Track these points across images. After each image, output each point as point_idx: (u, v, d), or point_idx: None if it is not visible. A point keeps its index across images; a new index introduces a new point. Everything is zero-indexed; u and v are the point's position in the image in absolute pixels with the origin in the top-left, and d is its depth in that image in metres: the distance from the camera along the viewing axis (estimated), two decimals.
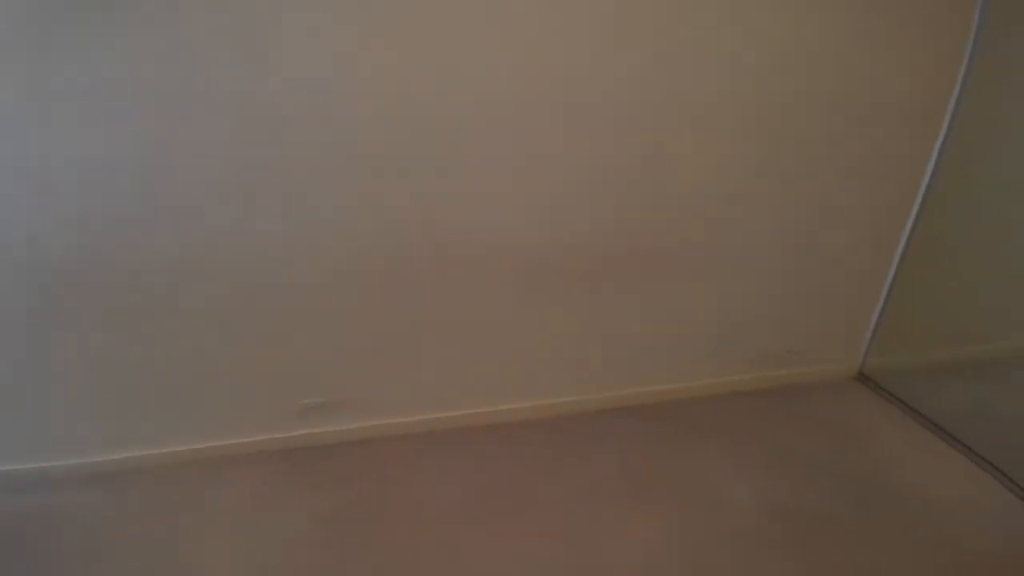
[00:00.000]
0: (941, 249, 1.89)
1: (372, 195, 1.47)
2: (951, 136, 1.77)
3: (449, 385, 1.81)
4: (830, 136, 1.70)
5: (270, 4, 1.23)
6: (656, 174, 1.64)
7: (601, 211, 1.65)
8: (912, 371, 2.06)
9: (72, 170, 1.28)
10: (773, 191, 1.76)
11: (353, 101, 1.35)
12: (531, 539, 1.42)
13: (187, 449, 1.67)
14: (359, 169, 1.43)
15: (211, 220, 1.41)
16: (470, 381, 1.83)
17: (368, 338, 1.66)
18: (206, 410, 1.65)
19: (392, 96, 1.37)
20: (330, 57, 1.30)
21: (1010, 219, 1.69)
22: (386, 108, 1.37)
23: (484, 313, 1.71)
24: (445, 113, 1.41)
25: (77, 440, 1.60)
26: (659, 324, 1.89)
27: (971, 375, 1.89)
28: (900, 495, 1.60)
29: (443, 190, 1.51)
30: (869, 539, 1.45)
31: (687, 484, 1.63)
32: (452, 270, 1.62)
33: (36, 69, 1.18)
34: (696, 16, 1.45)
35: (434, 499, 1.55)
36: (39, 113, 1.22)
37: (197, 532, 1.44)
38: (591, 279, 1.74)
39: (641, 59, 1.47)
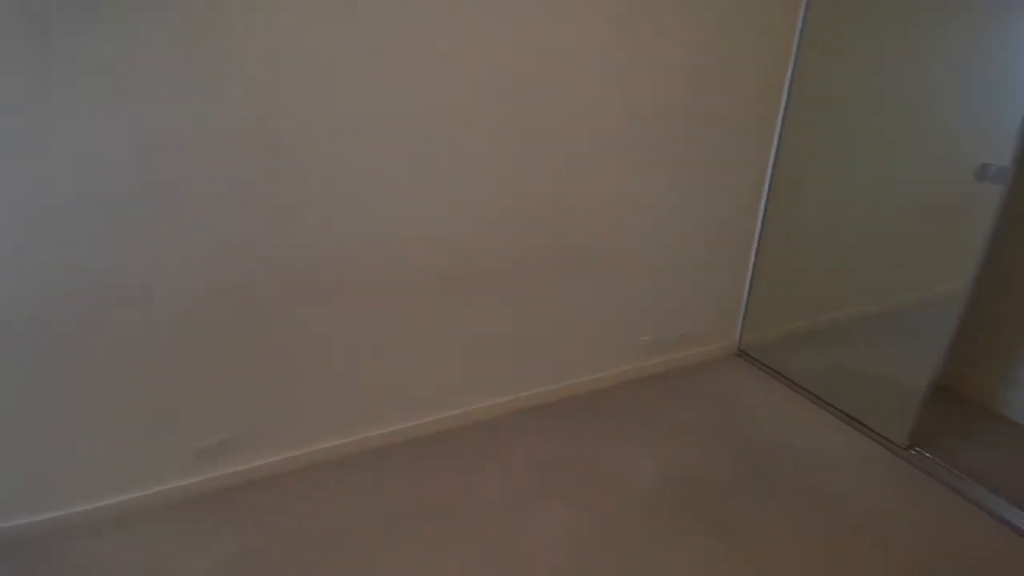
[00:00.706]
0: (788, 234, 2.19)
1: (247, 210, 1.43)
2: (785, 128, 2.08)
3: (350, 409, 1.79)
4: (692, 141, 1.94)
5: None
6: (547, 180, 1.76)
7: (489, 218, 1.73)
8: (779, 342, 2.36)
9: None
10: (652, 193, 1.96)
11: (236, 129, 1.34)
12: (452, 550, 1.45)
13: (74, 512, 1.52)
14: (234, 189, 1.40)
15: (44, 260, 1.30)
16: (371, 403, 1.82)
17: (260, 370, 1.61)
18: (86, 466, 1.51)
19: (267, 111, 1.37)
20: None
21: (842, 202, 2.00)
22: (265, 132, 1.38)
23: (378, 331, 1.72)
24: (326, 126, 1.44)
25: None
26: (561, 323, 2.02)
27: (827, 340, 2.20)
28: (777, 453, 1.83)
29: (330, 201, 1.50)
30: (754, 493, 1.65)
31: (594, 469, 1.75)
32: (341, 288, 1.61)
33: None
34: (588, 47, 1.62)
35: (347, 525, 1.53)
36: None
37: None
38: (485, 287, 1.82)
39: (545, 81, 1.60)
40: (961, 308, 1.59)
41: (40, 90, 1.16)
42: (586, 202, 1.86)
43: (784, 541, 1.48)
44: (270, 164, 1.40)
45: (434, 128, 1.54)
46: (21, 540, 1.47)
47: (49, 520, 1.50)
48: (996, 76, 1.44)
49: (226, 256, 1.44)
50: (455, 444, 1.88)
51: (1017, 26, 1.39)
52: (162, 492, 1.60)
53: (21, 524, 1.48)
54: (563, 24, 1.58)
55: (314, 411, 1.73)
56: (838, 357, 2.11)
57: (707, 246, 2.19)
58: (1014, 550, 1.44)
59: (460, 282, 1.77)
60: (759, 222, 2.25)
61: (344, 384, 1.74)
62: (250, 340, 1.56)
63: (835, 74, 1.89)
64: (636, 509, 1.58)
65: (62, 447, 1.47)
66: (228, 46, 1.27)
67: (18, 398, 1.38)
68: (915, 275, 1.76)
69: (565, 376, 2.14)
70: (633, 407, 2.09)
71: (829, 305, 2.15)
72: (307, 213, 1.48)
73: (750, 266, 2.34)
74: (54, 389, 1.41)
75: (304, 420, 1.73)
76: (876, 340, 1.95)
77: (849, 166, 1.91)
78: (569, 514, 1.56)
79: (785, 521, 1.55)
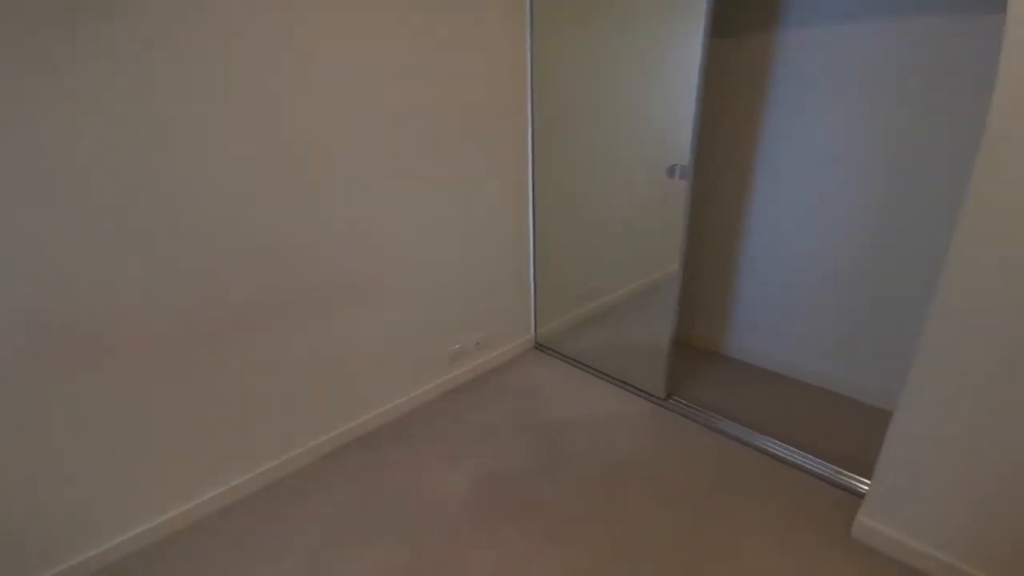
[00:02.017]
0: (556, 232, 2.48)
1: None
2: (536, 138, 2.34)
3: (139, 493, 1.50)
4: (455, 161, 2.04)
5: None
6: (308, 204, 1.68)
7: (229, 258, 1.60)
8: (568, 330, 2.65)
9: None
10: (423, 213, 2.00)
11: None
12: None
13: None
14: None
15: None
16: (155, 483, 1.54)
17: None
18: None
19: None
20: None
21: (588, 199, 2.33)
22: None
23: (143, 399, 1.46)
24: None
25: None
26: (357, 350, 1.95)
27: (603, 320, 2.54)
28: (567, 428, 2.05)
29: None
30: (549, 469, 1.81)
31: (404, 497, 1.73)
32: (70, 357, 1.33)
33: None
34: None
35: None
36: None
37: None
38: (264, 328, 1.67)
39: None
40: (680, 279, 1.99)
41: None
42: (356, 231, 1.82)
43: (573, 506, 1.66)
44: None
45: (174, 163, 1.34)
46: None
47: None
48: (681, 86, 1.78)
49: None
50: (267, 503, 1.67)
51: (694, 41, 1.77)
52: None
53: None
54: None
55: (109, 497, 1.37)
56: (611, 334, 2.46)
57: (486, 254, 2.34)
58: (747, 461, 1.85)
59: (213, 334, 1.57)
60: (530, 224, 2.50)
61: (131, 465, 1.42)
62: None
63: (561, 91, 2.19)
64: (448, 523, 1.61)
65: None
66: None
67: None
68: (654, 256, 2.13)
69: (375, 405, 2.07)
70: (440, 422, 2.12)
71: (601, 290, 2.49)
72: None
73: (531, 265, 2.58)
74: None
75: (99, 509, 1.35)
76: (636, 314, 2.33)
77: (587, 168, 2.25)
78: (385, 548, 1.51)
79: (574, 487, 1.74)
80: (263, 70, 1.47)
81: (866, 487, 1.64)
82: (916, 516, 1.40)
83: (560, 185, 2.37)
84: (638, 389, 2.30)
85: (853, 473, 1.73)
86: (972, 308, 1.18)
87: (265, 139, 1.52)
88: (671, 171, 1.87)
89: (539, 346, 2.74)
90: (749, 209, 2.32)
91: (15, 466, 1.29)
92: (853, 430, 1.98)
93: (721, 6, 2.11)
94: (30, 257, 1.21)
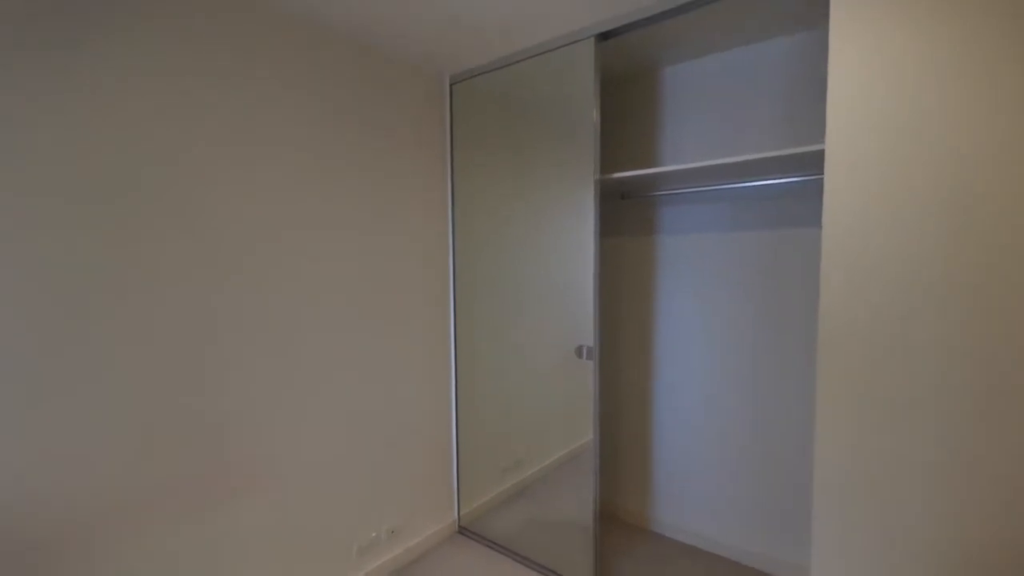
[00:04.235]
0: (477, 408, 2.52)
1: None
2: (457, 321, 2.51)
3: None
4: (383, 333, 2.14)
5: None
6: (194, 377, 1.64)
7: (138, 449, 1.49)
8: (491, 511, 2.53)
9: None
10: (348, 387, 2.01)
11: None
12: None
13: None
14: None
15: None
16: None
17: None
18: None
19: None
20: None
21: (508, 375, 2.44)
22: None
23: None
24: None
25: None
26: (244, 552, 1.73)
27: (525, 497, 2.46)
28: None
29: None
30: None
31: None
32: None
33: None
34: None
35: None
36: None
37: None
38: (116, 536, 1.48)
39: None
40: (597, 454, 2.05)
41: None
42: (253, 406, 1.78)
43: None
44: None
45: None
46: None
47: None
48: (583, 276, 2.08)
49: None
50: None
51: (590, 239, 2.10)
52: None
53: None
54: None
55: None
56: (537, 511, 2.38)
57: (407, 431, 2.31)
58: None
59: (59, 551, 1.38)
60: (452, 397, 2.54)
61: None
62: None
63: (479, 278, 2.45)
64: None
65: None
66: None
67: None
68: (574, 427, 2.20)
69: None
70: None
71: (522, 466, 2.46)
72: None
73: (453, 440, 2.55)
74: None
75: None
76: (560, 486, 2.30)
77: (505, 346, 2.40)
78: None
79: None
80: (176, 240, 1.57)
81: None
82: None
83: (481, 359, 2.49)
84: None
85: None
86: (843, 477, 1.32)
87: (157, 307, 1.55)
88: (579, 351, 2.06)
89: (462, 530, 2.56)
90: (655, 385, 2.53)
91: None
92: None
93: (609, 213, 2.56)
94: None
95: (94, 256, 1.37)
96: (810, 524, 1.43)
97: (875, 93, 1.31)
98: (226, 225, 1.64)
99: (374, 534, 2.14)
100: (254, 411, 1.74)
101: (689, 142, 2.33)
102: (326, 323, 1.95)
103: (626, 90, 2.50)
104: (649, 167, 2.42)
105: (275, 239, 1.77)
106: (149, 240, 1.47)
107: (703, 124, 2.28)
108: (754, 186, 2.10)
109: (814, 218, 1.96)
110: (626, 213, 2.55)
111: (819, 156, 1.57)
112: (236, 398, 1.68)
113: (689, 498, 2.44)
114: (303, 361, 1.88)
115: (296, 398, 1.86)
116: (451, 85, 2.42)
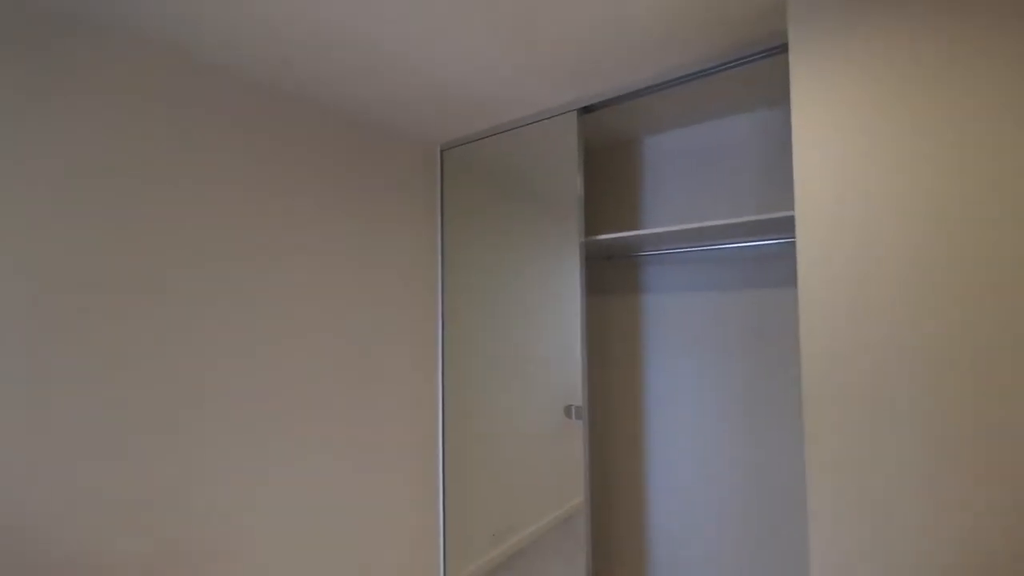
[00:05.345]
0: (466, 473, 2.46)
1: None
2: (445, 374, 2.49)
3: None
4: (357, 416, 2.11)
5: None
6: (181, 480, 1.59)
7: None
8: None
9: None
10: (331, 462, 1.97)
11: None
12: None
13: None
14: None
15: None
16: None
17: None
18: None
19: None
20: None
21: (499, 439, 2.40)
22: None
23: None
24: None
25: None
26: None
27: (517, 569, 2.35)
28: None
29: None
30: None
31: None
32: None
33: None
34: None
35: None
36: None
37: None
38: None
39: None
40: (588, 518, 1.99)
41: None
42: (215, 482, 1.73)
43: None
44: None
45: None
46: None
47: None
48: (571, 336, 2.11)
49: None
50: None
51: (576, 299, 2.14)
52: None
53: None
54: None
55: None
56: None
57: (391, 516, 2.24)
58: None
59: None
60: (440, 468, 2.47)
61: None
62: None
63: (467, 343, 2.46)
64: None
65: None
66: None
67: None
68: (563, 490, 2.14)
69: None
70: None
71: (513, 531, 2.37)
72: None
73: (440, 518, 2.46)
74: None
75: None
76: (548, 557, 2.20)
77: (494, 410, 2.38)
78: None
79: None
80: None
81: None
82: None
83: (470, 425, 2.46)
84: None
85: None
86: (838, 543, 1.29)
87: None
88: (568, 411, 2.05)
89: None
90: (648, 446, 2.49)
91: None
92: None
93: (596, 273, 2.63)
94: None
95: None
96: None
97: (837, 162, 1.40)
98: (198, 293, 1.67)
99: None
100: (228, 498, 1.70)
101: (670, 206, 2.43)
102: (308, 397, 1.94)
103: (609, 157, 2.64)
104: (632, 230, 2.51)
105: (256, 309, 1.80)
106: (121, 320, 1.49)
107: (683, 189, 2.39)
108: (734, 247, 2.18)
109: (795, 278, 2.02)
110: (612, 273, 2.62)
111: (791, 221, 1.65)
112: (211, 489, 1.64)
113: (684, 565, 2.35)
114: (280, 437, 1.86)
115: (272, 485, 1.82)
116: (442, 151, 2.54)
